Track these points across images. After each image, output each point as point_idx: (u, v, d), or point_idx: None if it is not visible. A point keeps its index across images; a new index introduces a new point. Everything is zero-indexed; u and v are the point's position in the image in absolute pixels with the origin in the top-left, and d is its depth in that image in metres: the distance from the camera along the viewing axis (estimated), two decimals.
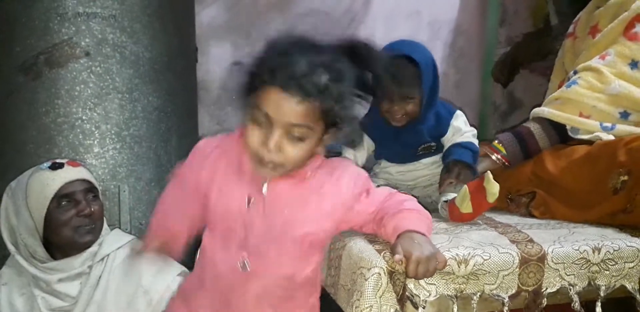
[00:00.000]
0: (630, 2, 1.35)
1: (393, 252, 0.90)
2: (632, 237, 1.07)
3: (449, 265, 0.94)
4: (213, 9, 2.46)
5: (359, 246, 1.00)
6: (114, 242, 1.31)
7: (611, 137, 1.27)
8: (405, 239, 0.91)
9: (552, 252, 1.00)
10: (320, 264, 1.03)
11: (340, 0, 2.58)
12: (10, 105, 1.68)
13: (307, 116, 0.85)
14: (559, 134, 1.35)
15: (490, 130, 2.79)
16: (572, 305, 1.01)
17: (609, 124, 1.30)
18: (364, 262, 0.95)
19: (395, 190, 1.06)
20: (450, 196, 1.25)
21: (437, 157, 1.39)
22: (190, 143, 1.93)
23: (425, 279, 0.92)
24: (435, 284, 0.95)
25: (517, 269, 0.99)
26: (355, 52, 0.88)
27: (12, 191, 1.28)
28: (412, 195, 1.35)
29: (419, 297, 0.94)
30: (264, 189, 0.93)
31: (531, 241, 1.04)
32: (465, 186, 1.16)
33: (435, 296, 0.95)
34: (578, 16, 1.59)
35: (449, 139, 1.35)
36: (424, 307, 0.94)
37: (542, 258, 1.00)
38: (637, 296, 1.04)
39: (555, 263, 1.00)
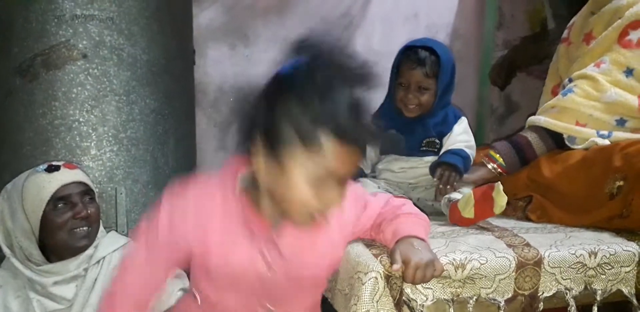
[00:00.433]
0: (624, 9, 1.34)
1: (391, 259, 0.90)
2: (629, 242, 1.07)
3: (446, 270, 0.94)
4: (211, 11, 2.46)
5: (356, 251, 1.00)
6: (109, 244, 1.31)
7: (607, 142, 1.27)
8: (404, 244, 0.91)
9: (549, 256, 1.01)
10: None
11: (338, 3, 2.59)
12: (7, 107, 1.67)
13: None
14: (556, 142, 1.35)
15: (487, 133, 2.80)
16: (569, 309, 1.01)
17: (605, 132, 1.30)
18: (361, 266, 0.94)
19: (390, 195, 1.07)
20: (457, 195, 1.26)
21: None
22: (188, 145, 1.96)
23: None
24: (432, 288, 0.95)
25: (514, 273, 0.99)
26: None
27: (8, 194, 1.27)
28: (413, 196, 1.37)
29: (416, 301, 0.94)
30: (275, 236, 0.89)
31: (528, 245, 1.04)
32: (471, 192, 1.17)
33: (432, 300, 0.95)
34: (572, 21, 1.59)
35: (447, 142, 1.39)
36: None
37: (538, 262, 1.00)
38: (634, 300, 1.04)
39: (552, 267, 1.00)
